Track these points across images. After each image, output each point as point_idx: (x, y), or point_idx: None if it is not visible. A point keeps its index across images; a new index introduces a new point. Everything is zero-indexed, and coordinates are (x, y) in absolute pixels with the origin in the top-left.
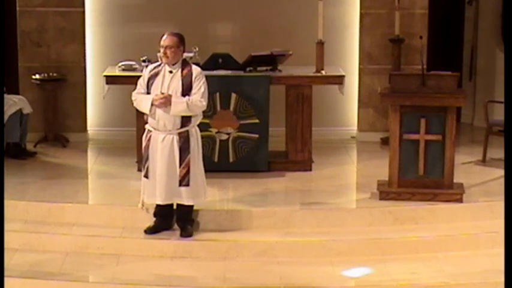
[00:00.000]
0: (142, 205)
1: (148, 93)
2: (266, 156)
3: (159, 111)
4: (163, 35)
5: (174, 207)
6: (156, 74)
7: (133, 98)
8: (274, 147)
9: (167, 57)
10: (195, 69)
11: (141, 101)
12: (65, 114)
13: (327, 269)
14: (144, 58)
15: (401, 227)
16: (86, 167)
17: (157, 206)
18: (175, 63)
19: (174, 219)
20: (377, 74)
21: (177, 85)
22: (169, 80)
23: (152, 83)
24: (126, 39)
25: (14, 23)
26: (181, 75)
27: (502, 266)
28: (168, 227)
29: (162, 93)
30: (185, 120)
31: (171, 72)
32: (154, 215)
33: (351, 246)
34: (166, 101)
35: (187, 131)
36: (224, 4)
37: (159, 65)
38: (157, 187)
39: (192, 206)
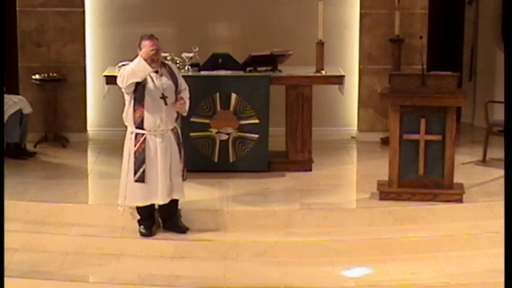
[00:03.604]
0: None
1: (140, 94)
2: (266, 156)
3: (163, 113)
4: (145, 40)
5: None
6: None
7: (120, 79)
8: (274, 147)
9: (158, 59)
10: (172, 65)
11: (135, 63)
12: (65, 114)
13: (327, 269)
14: None
15: (401, 227)
16: (86, 167)
17: (141, 208)
18: None
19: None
20: (377, 74)
21: (169, 83)
22: (160, 80)
23: (144, 85)
24: (126, 39)
25: (14, 23)
26: (169, 73)
27: (502, 266)
28: (154, 223)
29: (181, 98)
30: (175, 116)
31: (157, 72)
32: (140, 220)
33: (351, 246)
34: (185, 103)
35: (175, 126)
36: (224, 4)
37: None
38: (159, 188)
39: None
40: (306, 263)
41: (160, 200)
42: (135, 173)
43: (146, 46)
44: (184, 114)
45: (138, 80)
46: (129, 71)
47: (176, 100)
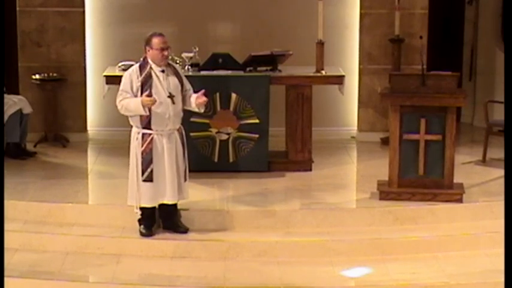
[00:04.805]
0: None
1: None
2: (266, 156)
3: (171, 113)
4: (154, 38)
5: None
6: (149, 76)
7: (119, 107)
8: (274, 147)
9: (167, 57)
10: (175, 65)
11: (133, 104)
12: (65, 114)
13: (327, 269)
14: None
15: (401, 227)
16: (86, 167)
17: (144, 208)
18: None
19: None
20: (377, 74)
21: (175, 83)
22: (166, 79)
23: (150, 85)
24: (126, 39)
25: (14, 23)
26: (173, 72)
27: (502, 266)
28: (154, 223)
29: (203, 93)
30: (182, 115)
31: (163, 71)
32: (140, 220)
33: (351, 246)
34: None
35: (180, 126)
36: (224, 4)
37: (144, 66)
38: (167, 187)
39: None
40: (306, 263)
41: (170, 199)
42: (142, 173)
43: (156, 44)
44: (202, 111)
45: (131, 115)
46: (125, 106)
47: (183, 98)
